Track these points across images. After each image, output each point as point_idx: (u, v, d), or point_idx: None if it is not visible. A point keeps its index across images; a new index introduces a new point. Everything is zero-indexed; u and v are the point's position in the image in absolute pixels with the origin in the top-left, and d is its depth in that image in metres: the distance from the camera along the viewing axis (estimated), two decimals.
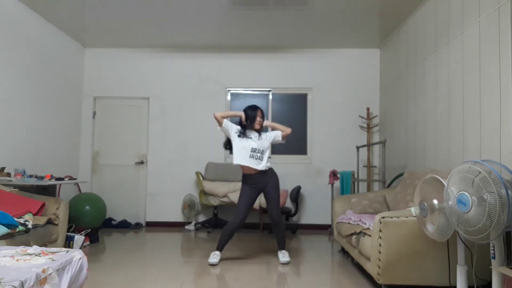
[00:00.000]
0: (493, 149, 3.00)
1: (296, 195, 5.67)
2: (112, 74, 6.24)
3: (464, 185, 2.15)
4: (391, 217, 2.73)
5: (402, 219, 2.71)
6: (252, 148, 3.81)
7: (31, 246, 2.21)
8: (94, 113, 6.24)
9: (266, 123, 4.06)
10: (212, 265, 3.70)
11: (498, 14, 2.95)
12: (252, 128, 3.92)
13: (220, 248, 3.86)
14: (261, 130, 3.98)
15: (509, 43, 2.80)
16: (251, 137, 3.87)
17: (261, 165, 3.83)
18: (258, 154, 3.84)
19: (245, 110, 3.96)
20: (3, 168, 4.05)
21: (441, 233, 2.34)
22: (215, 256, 3.79)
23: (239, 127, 3.93)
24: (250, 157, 3.80)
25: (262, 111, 4.00)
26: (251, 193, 3.85)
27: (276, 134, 4.03)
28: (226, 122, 3.88)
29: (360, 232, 3.25)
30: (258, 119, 3.92)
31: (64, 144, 5.65)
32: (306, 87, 6.19)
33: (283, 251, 3.94)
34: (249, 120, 3.91)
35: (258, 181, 3.85)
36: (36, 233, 3.16)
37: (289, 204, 5.94)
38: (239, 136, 3.87)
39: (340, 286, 3.07)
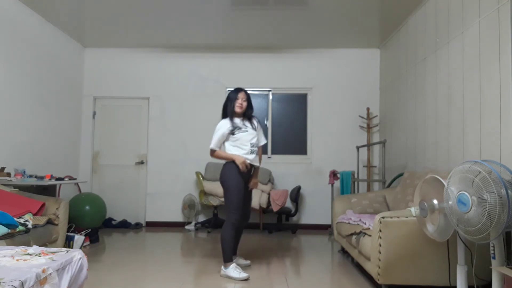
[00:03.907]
0: (493, 149, 3.00)
1: (296, 195, 5.67)
2: (112, 74, 6.24)
3: (464, 185, 2.15)
4: (391, 217, 2.73)
5: (402, 219, 2.71)
6: (251, 143, 3.48)
7: (31, 246, 2.21)
8: (94, 113, 6.24)
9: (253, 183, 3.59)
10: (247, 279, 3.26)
11: (498, 14, 2.95)
12: (233, 113, 3.50)
13: (231, 258, 3.40)
14: (247, 116, 3.56)
15: (509, 43, 2.80)
16: (247, 130, 3.48)
17: (255, 160, 3.53)
18: (254, 148, 3.51)
19: (228, 95, 3.60)
20: (3, 168, 4.05)
21: (441, 233, 2.34)
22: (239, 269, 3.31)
23: (228, 124, 3.48)
24: (250, 151, 3.46)
25: (247, 94, 3.56)
26: (244, 185, 3.48)
27: (262, 138, 3.67)
28: (220, 144, 3.51)
29: (360, 232, 3.25)
30: (240, 101, 3.50)
31: (64, 144, 5.65)
32: (306, 87, 6.19)
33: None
34: (230, 102, 3.51)
35: (248, 174, 3.52)
36: (36, 233, 3.16)
37: (289, 204, 5.94)
38: (233, 133, 3.45)
39: (340, 286, 3.07)
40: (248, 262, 3.68)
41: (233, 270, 3.25)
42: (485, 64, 3.12)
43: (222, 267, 3.34)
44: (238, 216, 3.36)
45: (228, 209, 3.38)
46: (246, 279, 3.21)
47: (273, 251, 4.36)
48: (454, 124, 3.64)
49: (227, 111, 3.56)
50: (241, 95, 3.53)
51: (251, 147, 3.49)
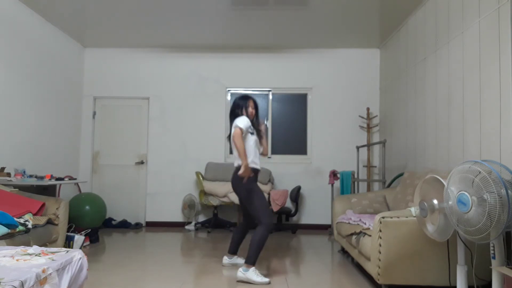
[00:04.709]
0: (493, 149, 3.00)
1: (296, 195, 5.67)
2: (112, 74, 6.24)
3: (464, 185, 2.15)
4: (391, 217, 2.73)
5: (402, 219, 2.71)
6: (258, 148, 3.58)
7: (31, 246, 2.21)
8: (94, 113, 6.24)
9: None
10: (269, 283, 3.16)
11: (498, 14, 2.95)
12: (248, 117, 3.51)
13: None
14: (254, 121, 3.60)
15: (509, 43, 2.80)
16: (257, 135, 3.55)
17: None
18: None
19: (234, 101, 3.60)
20: (3, 168, 4.05)
21: (441, 233, 2.34)
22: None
23: (249, 123, 3.45)
24: (259, 155, 3.55)
25: (254, 101, 3.59)
26: None
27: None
28: (247, 124, 3.42)
29: (360, 232, 3.25)
30: (250, 110, 3.53)
31: (64, 144, 5.65)
32: (306, 87, 6.19)
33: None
34: (239, 109, 3.53)
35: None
36: (36, 233, 3.16)
37: (289, 204, 5.94)
38: (252, 133, 3.46)
39: (340, 286, 3.07)
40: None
41: (255, 274, 3.15)
42: (485, 64, 3.12)
43: (242, 268, 3.20)
44: (271, 216, 3.30)
45: (258, 213, 3.30)
46: (268, 283, 3.12)
47: (273, 251, 4.36)
48: (454, 124, 3.64)
49: (240, 115, 3.52)
50: (250, 103, 3.54)
51: (259, 152, 3.57)
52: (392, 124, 5.43)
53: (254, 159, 3.43)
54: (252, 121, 3.55)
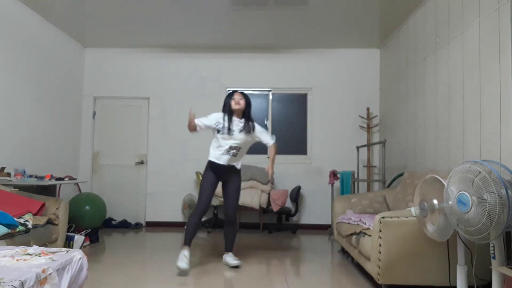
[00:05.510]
0: (493, 149, 3.00)
1: (296, 195, 5.67)
2: (112, 74, 6.24)
3: (464, 185, 2.15)
4: (391, 217, 2.73)
5: (402, 219, 2.71)
6: (230, 146, 3.55)
7: (31, 246, 2.21)
8: (94, 113, 6.24)
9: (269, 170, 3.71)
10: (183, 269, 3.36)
11: (498, 14, 2.95)
12: (232, 111, 3.60)
13: (188, 243, 3.51)
14: (246, 117, 3.64)
15: (509, 43, 2.81)
16: (233, 134, 3.55)
17: (233, 162, 3.61)
18: (234, 151, 3.58)
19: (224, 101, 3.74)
20: (3, 168, 4.05)
21: (441, 233, 2.34)
22: (183, 258, 3.41)
23: (219, 119, 3.60)
24: (225, 153, 3.57)
25: (242, 93, 3.65)
26: (213, 180, 3.61)
27: (265, 139, 3.69)
28: (200, 122, 3.57)
29: (360, 232, 3.25)
30: (236, 100, 3.58)
31: (64, 144, 5.65)
32: (306, 87, 6.19)
33: (231, 253, 3.73)
34: (227, 105, 3.62)
35: (222, 172, 3.63)
36: (36, 233, 3.16)
37: (289, 204, 5.94)
38: (218, 131, 3.56)
39: (340, 286, 3.07)
40: (236, 262, 3.62)
41: (179, 255, 3.43)
42: (485, 64, 3.12)
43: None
44: (200, 206, 3.53)
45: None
46: (180, 269, 3.32)
47: (273, 251, 4.37)
48: (454, 124, 3.64)
49: (224, 111, 3.68)
50: (236, 95, 3.63)
51: (230, 149, 3.57)
52: (392, 124, 5.43)
53: (215, 155, 3.61)
54: (243, 113, 3.66)
